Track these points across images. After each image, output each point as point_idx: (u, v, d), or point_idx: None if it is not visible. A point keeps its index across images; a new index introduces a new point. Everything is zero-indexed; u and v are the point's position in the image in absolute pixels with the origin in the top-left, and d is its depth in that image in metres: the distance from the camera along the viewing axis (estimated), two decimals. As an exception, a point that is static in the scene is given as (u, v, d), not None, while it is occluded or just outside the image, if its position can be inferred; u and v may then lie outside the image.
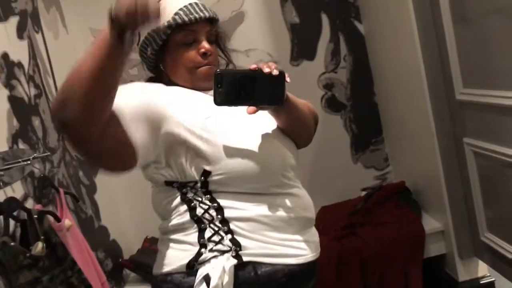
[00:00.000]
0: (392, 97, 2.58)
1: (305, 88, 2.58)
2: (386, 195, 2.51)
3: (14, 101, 1.58)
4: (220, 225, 1.12)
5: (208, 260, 1.11)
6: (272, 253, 1.14)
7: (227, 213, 1.13)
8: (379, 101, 2.76)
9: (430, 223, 2.33)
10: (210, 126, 1.13)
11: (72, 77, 0.95)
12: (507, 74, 1.62)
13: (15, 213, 1.34)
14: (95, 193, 2.27)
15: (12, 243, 1.21)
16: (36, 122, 1.73)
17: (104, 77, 0.95)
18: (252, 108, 1.07)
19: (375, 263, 2.20)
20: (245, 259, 1.11)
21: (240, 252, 1.11)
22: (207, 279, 1.09)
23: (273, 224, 1.15)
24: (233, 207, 1.13)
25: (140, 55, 1.28)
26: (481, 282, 2.23)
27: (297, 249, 1.17)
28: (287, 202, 1.18)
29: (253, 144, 1.15)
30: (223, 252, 1.10)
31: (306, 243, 1.20)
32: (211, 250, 1.11)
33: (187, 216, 1.14)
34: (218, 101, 1.05)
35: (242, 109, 1.08)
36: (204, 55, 1.21)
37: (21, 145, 1.56)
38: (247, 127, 1.17)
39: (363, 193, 2.71)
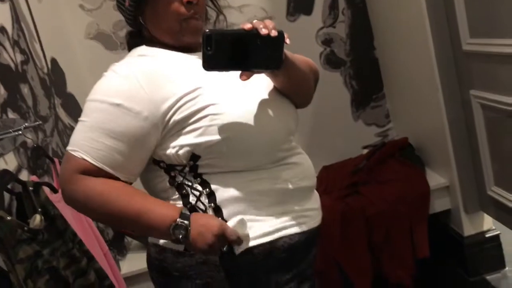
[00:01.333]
0: (393, 51, 2.49)
1: (302, 44, 2.48)
2: (388, 152, 2.46)
3: (0, 68, 1.50)
4: (213, 214, 1.06)
5: None
6: (269, 231, 1.07)
7: (219, 198, 1.06)
8: (379, 55, 2.67)
9: (435, 179, 2.30)
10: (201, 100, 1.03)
11: (101, 205, 1.01)
12: (518, 21, 1.54)
13: (9, 186, 1.28)
14: (91, 162, 2.21)
15: (8, 218, 1.15)
16: (25, 89, 1.65)
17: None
18: (246, 73, 0.97)
19: (380, 221, 2.17)
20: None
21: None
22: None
23: (270, 200, 1.08)
24: (225, 190, 1.06)
25: (118, 7, 1.15)
26: (486, 235, 2.22)
27: (297, 221, 1.11)
28: (285, 174, 1.10)
29: (250, 115, 1.04)
30: None
31: (306, 212, 1.14)
32: None
33: (180, 204, 1.07)
34: (207, 66, 0.94)
35: (235, 73, 0.98)
36: (189, 3, 1.06)
37: (11, 115, 1.49)
38: (242, 96, 1.06)
39: (365, 151, 2.66)
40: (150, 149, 1.06)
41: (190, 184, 1.07)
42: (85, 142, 1.01)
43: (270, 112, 1.08)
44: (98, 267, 1.49)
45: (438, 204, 2.27)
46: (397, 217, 2.18)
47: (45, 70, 1.93)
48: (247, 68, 0.96)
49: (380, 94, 2.74)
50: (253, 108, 1.06)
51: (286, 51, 1.01)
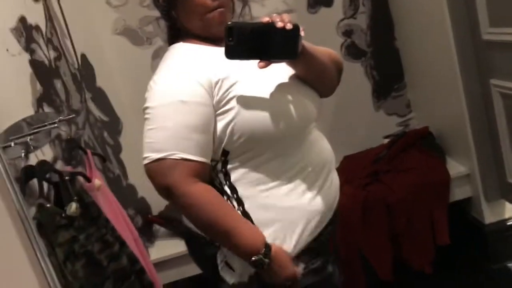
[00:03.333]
0: (414, 41, 2.51)
1: (324, 36, 2.52)
2: (409, 141, 2.49)
3: (35, 65, 1.59)
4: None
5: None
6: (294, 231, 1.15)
7: (247, 204, 1.15)
8: (400, 45, 2.69)
9: (455, 167, 2.32)
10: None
11: (205, 220, 1.12)
12: (537, 10, 1.56)
13: (47, 176, 1.37)
14: (120, 153, 2.31)
15: (48, 205, 1.24)
16: (58, 84, 1.74)
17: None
18: (264, 62, 1.04)
19: (400, 209, 2.21)
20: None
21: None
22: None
23: (290, 190, 1.16)
24: (250, 191, 1.15)
25: (154, 3, 1.26)
26: (508, 223, 2.24)
27: (315, 207, 1.18)
28: (305, 156, 1.18)
29: (274, 102, 1.12)
30: None
31: (325, 193, 1.20)
32: None
33: None
34: (229, 55, 1.03)
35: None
36: None
37: (46, 109, 1.58)
38: (265, 84, 1.14)
39: (386, 141, 2.69)
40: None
41: (222, 184, 1.19)
42: (178, 144, 1.09)
43: (289, 96, 1.15)
44: (129, 252, 1.58)
45: (459, 192, 2.30)
46: (418, 205, 2.22)
47: (76, 65, 2.02)
48: (266, 57, 1.04)
49: (401, 84, 2.76)
50: (271, 92, 1.13)
51: (306, 42, 1.09)
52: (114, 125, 2.33)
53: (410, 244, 2.25)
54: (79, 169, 1.69)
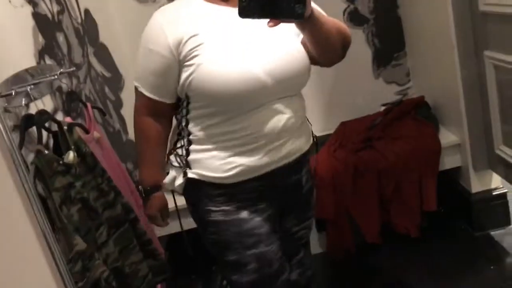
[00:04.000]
0: (415, 10, 2.52)
1: (326, 1, 2.52)
2: (405, 110, 2.53)
3: (38, 17, 1.63)
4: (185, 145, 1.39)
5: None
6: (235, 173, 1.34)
7: (191, 148, 1.38)
8: (402, 14, 2.69)
9: (447, 137, 2.37)
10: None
11: (137, 141, 1.52)
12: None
13: (46, 125, 1.43)
14: (121, 108, 2.37)
15: (46, 151, 1.31)
16: (60, 38, 1.79)
17: None
18: (274, 21, 1.08)
19: (391, 174, 2.28)
20: (190, 175, 1.38)
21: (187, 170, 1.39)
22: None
23: (238, 143, 1.31)
24: (197, 142, 1.36)
25: None
26: (494, 193, 2.30)
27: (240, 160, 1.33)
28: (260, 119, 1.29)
29: (226, 69, 1.24)
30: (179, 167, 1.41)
31: (278, 148, 1.33)
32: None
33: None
34: (242, 14, 1.08)
35: (264, 23, 1.11)
36: None
37: (48, 61, 1.63)
38: (227, 50, 1.25)
39: (383, 108, 2.73)
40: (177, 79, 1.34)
41: (180, 125, 1.41)
42: (142, 80, 1.39)
43: (244, 67, 1.25)
44: (124, 201, 1.65)
45: (449, 161, 2.35)
46: (408, 171, 2.28)
47: (79, 20, 2.06)
48: (276, 17, 1.09)
49: (402, 53, 2.78)
50: (255, 54, 1.26)
51: (316, 8, 1.18)
52: (115, 81, 2.39)
53: (398, 208, 2.32)
54: (79, 121, 1.76)
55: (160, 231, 2.40)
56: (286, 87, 1.30)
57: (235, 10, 1.06)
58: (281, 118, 1.31)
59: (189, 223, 2.12)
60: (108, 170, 1.67)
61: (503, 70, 1.88)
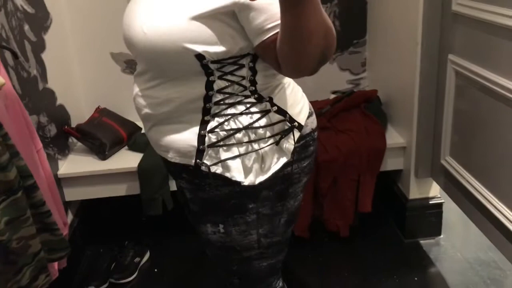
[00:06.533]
0: (383, -3, 2.35)
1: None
2: (355, 101, 2.39)
3: None
4: None
5: None
6: None
7: None
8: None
9: (394, 137, 2.26)
10: None
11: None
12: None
13: None
14: (43, 52, 2.06)
15: None
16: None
17: None
18: None
19: (329, 169, 2.14)
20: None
21: None
22: None
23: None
24: None
25: None
26: (430, 202, 2.23)
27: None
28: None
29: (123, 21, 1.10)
30: None
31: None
32: None
33: None
34: None
35: None
36: None
37: None
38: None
39: (332, 96, 2.58)
40: None
41: None
42: None
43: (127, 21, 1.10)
44: (22, 164, 1.40)
45: (392, 163, 2.25)
46: (347, 168, 2.15)
47: None
48: None
49: (361, 41, 2.62)
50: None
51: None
52: (40, 19, 2.07)
53: (331, 205, 2.20)
54: (-21, 61, 1.47)
55: (70, 196, 2.16)
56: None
57: None
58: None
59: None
60: (8, 124, 1.41)
61: (464, 78, 1.76)
